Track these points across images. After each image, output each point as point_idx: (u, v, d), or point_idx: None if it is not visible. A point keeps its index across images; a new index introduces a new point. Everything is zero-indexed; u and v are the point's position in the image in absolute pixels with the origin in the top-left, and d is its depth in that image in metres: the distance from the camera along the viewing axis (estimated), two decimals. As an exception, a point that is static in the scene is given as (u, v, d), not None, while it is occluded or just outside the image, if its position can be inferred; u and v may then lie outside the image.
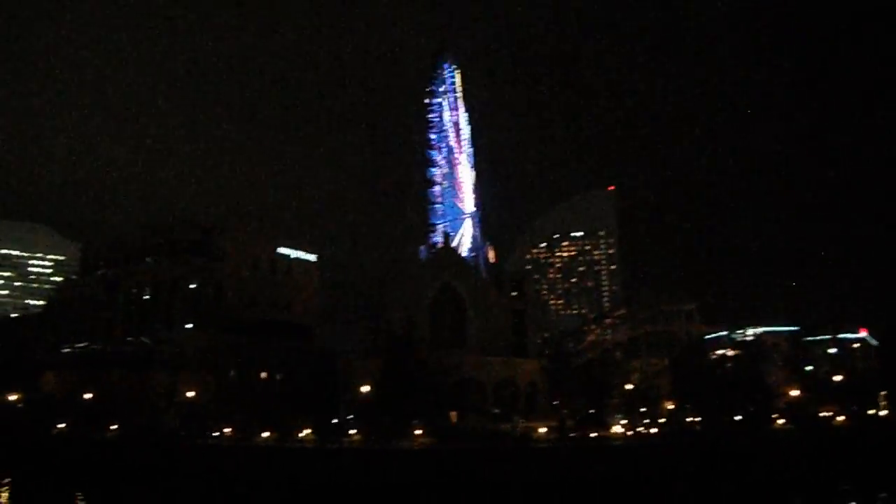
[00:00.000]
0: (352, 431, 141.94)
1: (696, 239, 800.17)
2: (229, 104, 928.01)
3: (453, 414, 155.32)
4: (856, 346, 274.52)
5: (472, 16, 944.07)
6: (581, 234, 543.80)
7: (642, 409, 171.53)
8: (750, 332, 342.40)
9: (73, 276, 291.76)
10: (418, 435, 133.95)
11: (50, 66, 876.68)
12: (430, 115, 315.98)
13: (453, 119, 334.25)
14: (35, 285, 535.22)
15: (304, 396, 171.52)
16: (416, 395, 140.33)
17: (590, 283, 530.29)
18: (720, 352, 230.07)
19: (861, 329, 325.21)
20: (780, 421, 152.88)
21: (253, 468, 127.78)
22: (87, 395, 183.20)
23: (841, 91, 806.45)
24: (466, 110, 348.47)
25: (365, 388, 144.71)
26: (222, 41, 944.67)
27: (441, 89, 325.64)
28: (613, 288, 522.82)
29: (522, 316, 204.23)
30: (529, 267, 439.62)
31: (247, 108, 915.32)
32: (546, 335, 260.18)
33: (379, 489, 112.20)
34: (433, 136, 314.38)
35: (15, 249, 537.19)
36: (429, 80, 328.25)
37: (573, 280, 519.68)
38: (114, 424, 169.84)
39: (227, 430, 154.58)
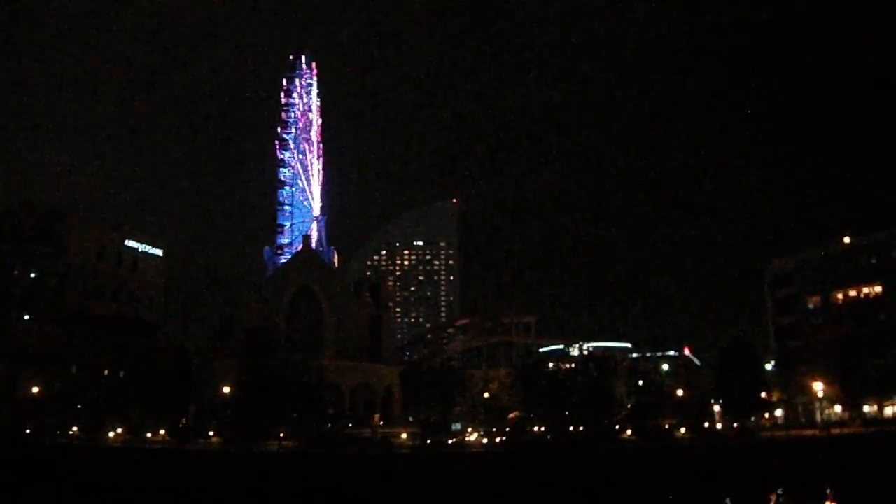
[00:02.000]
0: (210, 433, 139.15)
1: (533, 254, 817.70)
2: (77, 93, 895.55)
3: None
4: (679, 363, 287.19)
5: (330, 18, 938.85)
6: (422, 243, 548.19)
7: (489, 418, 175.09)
8: (584, 346, 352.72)
9: None
10: (281, 438, 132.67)
11: None
12: (284, 115, 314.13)
13: (307, 121, 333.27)
14: None
15: (153, 395, 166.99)
16: (278, 397, 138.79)
17: (428, 293, 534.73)
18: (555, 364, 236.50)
19: (685, 347, 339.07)
20: (627, 432, 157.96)
21: (106, 469, 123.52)
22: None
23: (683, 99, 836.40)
24: (319, 112, 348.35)
25: (225, 389, 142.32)
26: (79, 28, 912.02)
27: (297, 90, 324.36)
28: (451, 298, 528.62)
29: (378, 322, 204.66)
30: (369, 273, 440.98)
31: (95, 99, 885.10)
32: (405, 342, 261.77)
33: (246, 494, 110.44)
34: (286, 136, 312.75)
35: None
36: (286, 79, 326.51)
37: (412, 289, 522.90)
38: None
39: (73, 428, 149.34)
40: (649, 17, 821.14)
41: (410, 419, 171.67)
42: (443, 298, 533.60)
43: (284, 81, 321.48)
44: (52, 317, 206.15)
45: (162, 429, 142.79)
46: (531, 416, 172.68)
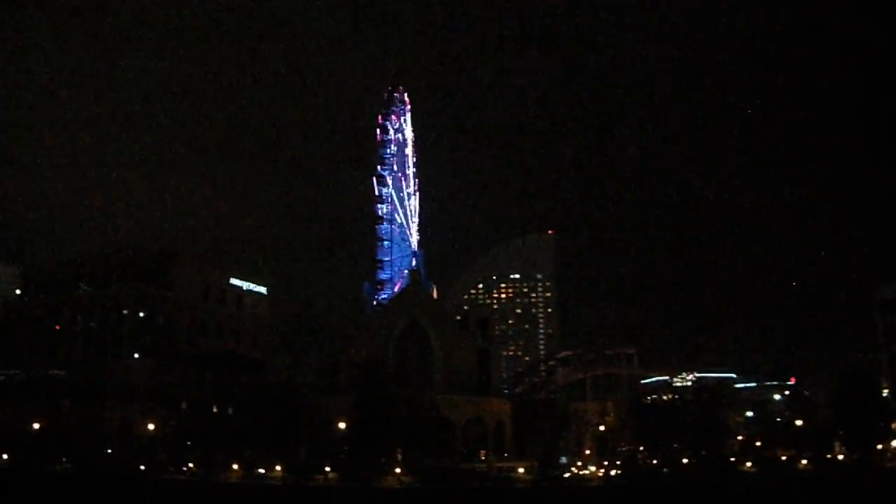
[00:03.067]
0: (327, 469, 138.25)
1: (631, 284, 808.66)
2: (183, 135, 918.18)
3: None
4: (786, 393, 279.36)
5: (423, 55, 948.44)
6: (518, 276, 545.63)
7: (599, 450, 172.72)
8: (688, 376, 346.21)
9: (10, 298, 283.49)
10: (398, 473, 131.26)
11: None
12: (380, 151, 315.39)
13: (403, 155, 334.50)
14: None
15: (264, 431, 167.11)
16: (393, 432, 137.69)
17: (526, 326, 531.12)
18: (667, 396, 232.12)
19: (791, 378, 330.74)
20: (747, 464, 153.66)
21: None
22: (36, 426, 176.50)
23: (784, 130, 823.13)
24: (414, 148, 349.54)
25: (341, 425, 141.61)
26: (177, 73, 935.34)
27: (392, 125, 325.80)
28: (549, 331, 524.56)
29: (487, 355, 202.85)
30: (466, 308, 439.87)
31: (201, 141, 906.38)
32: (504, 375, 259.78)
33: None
34: (383, 172, 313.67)
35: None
36: (380, 115, 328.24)
37: (510, 322, 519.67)
38: (63, 457, 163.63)
39: (188, 464, 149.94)
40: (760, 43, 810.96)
41: (524, 453, 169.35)
42: (541, 331, 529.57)
43: (380, 118, 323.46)
44: (161, 355, 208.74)
45: (277, 465, 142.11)
46: (641, 448, 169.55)
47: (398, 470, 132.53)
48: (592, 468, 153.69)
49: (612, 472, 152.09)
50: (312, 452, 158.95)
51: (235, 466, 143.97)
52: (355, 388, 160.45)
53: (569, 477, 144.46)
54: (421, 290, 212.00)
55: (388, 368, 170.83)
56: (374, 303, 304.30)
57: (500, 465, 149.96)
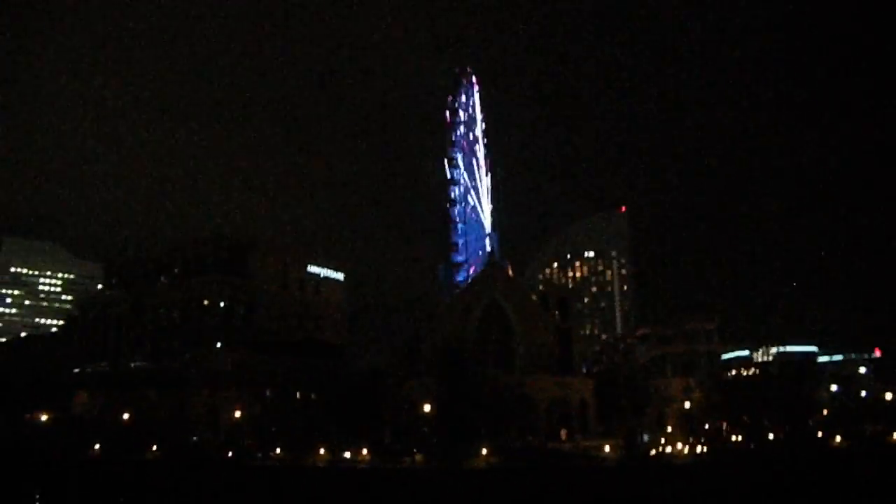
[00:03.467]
0: (414, 451, 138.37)
1: (707, 258, 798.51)
2: (254, 124, 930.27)
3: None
4: (870, 366, 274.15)
5: (490, 33, 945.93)
6: (592, 254, 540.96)
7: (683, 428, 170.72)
8: (768, 351, 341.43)
9: (95, 292, 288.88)
10: (485, 455, 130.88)
11: (67, 81, 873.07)
12: (451, 133, 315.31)
13: (474, 137, 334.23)
14: (45, 304, 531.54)
15: (349, 415, 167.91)
16: (478, 413, 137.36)
17: (602, 304, 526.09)
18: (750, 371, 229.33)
19: (876, 349, 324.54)
20: (837, 438, 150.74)
21: (316, 489, 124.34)
22: (125, 416, 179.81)
23: (855, 98, 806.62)
24: (484, 128, 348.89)
25: (426, 407, 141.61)
26: (247, 63, 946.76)
27: (463, 107, 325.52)
28: (625, 308, 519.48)
29: (568, 334, 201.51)
30: (541, 287, 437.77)
31: (272, 130, 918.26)
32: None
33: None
34: (454, 155, 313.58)
35: (25, 267, 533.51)
36: (451, 97, 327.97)
37: (585, 300, 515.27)
38: (152, 446, 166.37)
39: (276, 450, 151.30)
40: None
41: (608, 432, 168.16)
42: (617, 309, 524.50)
43: (450, 100, 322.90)
44: (243, 343, 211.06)
45: (364, 448, 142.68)
46: (725, 425, 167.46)
47: (485, 451, 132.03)
48: (679, 445, 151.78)
49: (698, 450, 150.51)
50: (396, 435, 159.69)
51: (322, 451, 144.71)
52: (437, 371, 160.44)
53: (655, 455, 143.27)
54: (500, 270, 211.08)
55: (470, 350, 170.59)
56: (451, 285, 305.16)
57: (585, 443, 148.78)
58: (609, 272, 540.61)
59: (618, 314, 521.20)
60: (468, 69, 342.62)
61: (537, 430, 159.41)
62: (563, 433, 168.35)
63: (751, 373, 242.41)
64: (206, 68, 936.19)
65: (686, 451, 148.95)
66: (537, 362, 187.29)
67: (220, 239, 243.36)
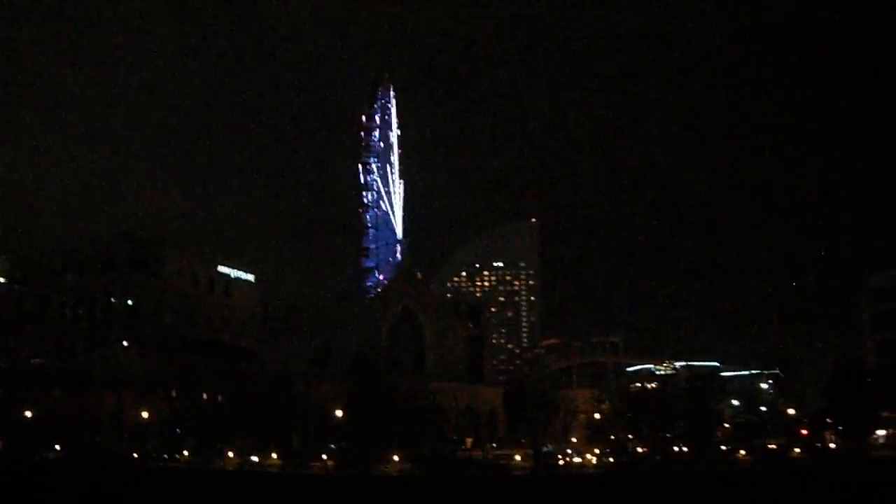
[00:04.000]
0: (324, 457, 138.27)
1: (615, 272, 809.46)
2: (169, 124, 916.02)
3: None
4: (770, 382, 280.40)
5: (408, 45, 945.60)
6: (502, 264, 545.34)
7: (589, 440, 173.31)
8: (673, 365, 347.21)
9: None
10: (397, 461, 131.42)
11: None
12: (366, 139, 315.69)
13: (388, 143, 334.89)
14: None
15: (257, 419, 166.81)
16: (389, 420, 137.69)
17: (510, 314, 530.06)
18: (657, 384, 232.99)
19: (777, 366, 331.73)
20: (741, 452, 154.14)
21: (223, 493, 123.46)
22: (27, 414, 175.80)
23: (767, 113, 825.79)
24: (399, 135, 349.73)
25: (338, 413, 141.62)
26: (162, 59, 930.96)
27: (378, 113, 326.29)
28: (532, 319, 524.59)
29: (480, 343, 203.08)
30: (449, 296, 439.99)
31: (186, 129, 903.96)
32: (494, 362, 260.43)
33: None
34: (369, 160, 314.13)
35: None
36: (367, 103, 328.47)
37: (493, 310, 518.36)
38: (55, 445, 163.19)
39: (184, 452, 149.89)
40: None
41: (515, 441, 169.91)
42: (524, 319, 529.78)
43: (366, 106, 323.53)
44: (150, 343, 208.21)
45: (273, 453, 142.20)
46: (630, 436, 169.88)
47: (397, 458, 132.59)
48: (588, 456, 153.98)
49: (603, 460, 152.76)
50: (306, 440, 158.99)
51: (231, 454, 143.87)
52: (348, 376, 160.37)
53: (563, 465, 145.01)
54: (413, 278, 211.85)
55: (381, 356, 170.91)
56: (361, 290, 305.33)
57: (496, 453, 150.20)
58: (517, 282, 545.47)
59: (524, 325, 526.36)
60: (385, 74, 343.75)
61: (446, 438, 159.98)
62: (469, 441, 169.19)
63: (655, 385, 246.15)
64: (123, 66, 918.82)
65: (594, 461, 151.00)
66: (448, 370, 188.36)
67: (129, 236, 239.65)
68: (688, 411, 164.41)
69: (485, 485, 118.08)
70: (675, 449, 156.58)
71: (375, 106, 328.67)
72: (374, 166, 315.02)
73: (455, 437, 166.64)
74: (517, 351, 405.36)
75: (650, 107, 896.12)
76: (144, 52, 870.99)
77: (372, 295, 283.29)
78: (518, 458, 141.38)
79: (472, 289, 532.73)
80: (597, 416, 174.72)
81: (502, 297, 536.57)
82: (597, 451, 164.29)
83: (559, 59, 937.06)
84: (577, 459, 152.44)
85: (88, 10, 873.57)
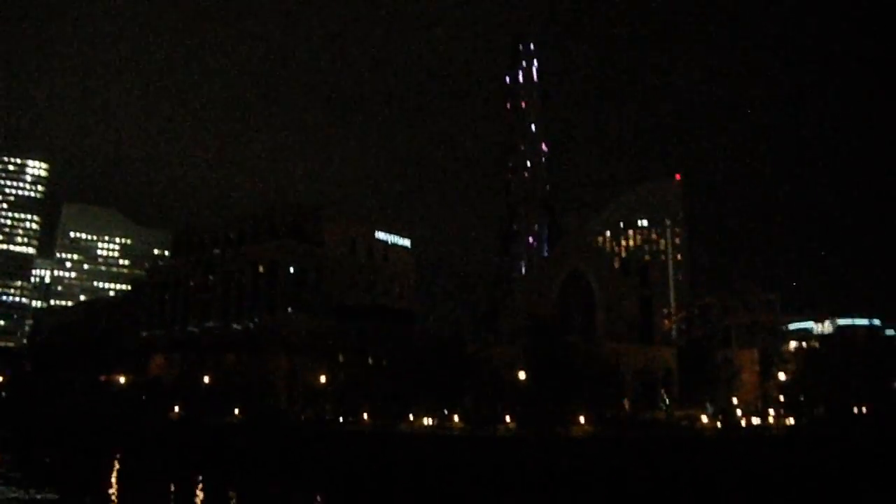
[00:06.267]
0: (507, 419, 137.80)
1: (764, 226, 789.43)
2: (320, 93, 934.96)
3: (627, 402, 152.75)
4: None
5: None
6: (646, 223, 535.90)
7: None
8: (835, 322, 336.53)
9: (162, 257, 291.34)
10: (582, 424, 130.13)
11: (128, 55, 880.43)
12: (511, 102, 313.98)
13: (533, 104, 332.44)
14: (103, 268, 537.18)
15: (427, 382, 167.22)
16: (570, 382, 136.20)
17: (657, 273, 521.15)
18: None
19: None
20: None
21: (417, 455, 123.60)
22: (206, 379, 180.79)
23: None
24: (543, 95, 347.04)
25: (521, 375, 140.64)
26: (307, 31, 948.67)
27: (521, 74, 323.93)
28: (679, 278, 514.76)
29: (650, 303, 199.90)
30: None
31: (337, 97, 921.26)
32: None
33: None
34: (514, 123, 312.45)
35: (84, 232, 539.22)
36: (510, 64, 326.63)
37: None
38: (234, 409, 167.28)
39: (364, 416, 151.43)
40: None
41: (692, 402, 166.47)
42: (671, 278, 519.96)
43: (509, 68, 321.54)
44: (313, 309, 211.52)
45: (452, 416, 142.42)
46: (802, 398, 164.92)
47: (582, 419, 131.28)
48: (770, 419, 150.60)
49: (788, 422, 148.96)
50: (479, 403, 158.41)
51: (411, 417, 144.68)
52: (525, 338, 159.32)
53: (746, 426, 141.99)
54: (582, 239, 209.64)
55: (551, 317, 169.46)
56: (513, 252, 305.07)
57: (678, 413, 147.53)
58: (662, 241, 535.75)
59: (671, 284, 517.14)
60: (527, 35, 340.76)
61: (626, 399, 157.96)
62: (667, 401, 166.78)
63: (811, 346, 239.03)
64: (271, 44, 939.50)
65: (783, 422, 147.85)
66: (619, 331, 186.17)
67: (288, 205, 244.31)
68: (868, 373, 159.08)
69: (675, 446, 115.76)
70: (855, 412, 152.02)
71: (518, 70, 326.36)
72: (519, 128, 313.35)
73: (634, 399, 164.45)
74: (670, 311, 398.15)
75: (795, 61, 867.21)
76: (291, 25, 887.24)
77: (522, 257, 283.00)
78: (704, 419, 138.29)
79: (616, 248, 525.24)
80: (781, 376, 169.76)
81: (648, 255, 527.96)
82: (771, 411, 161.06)
83: (710, 12, 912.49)
84: (755, 420, 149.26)
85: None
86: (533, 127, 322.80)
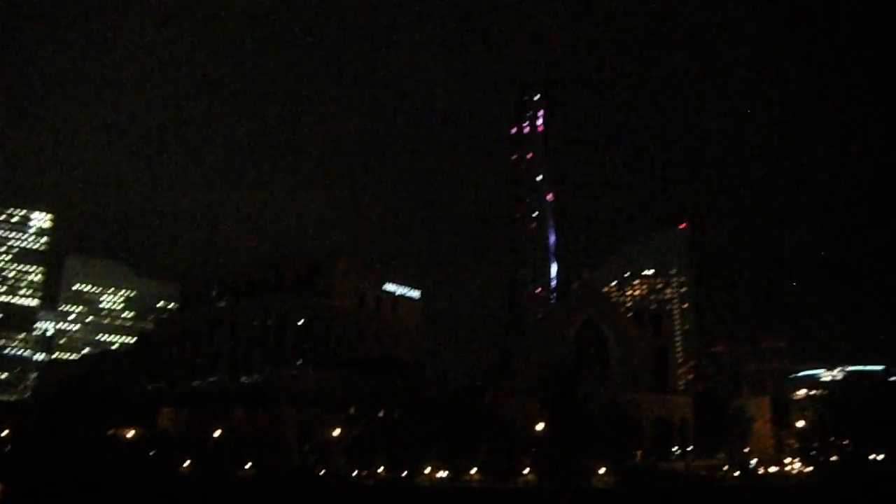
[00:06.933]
0: (525, 471, 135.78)
1: (771, 276, 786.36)
2: (326, 142, 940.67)
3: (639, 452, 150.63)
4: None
5: (552, 54, 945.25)
6: (652, 272, 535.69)
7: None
8: (842, 369, 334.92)
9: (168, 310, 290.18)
10: (602, 474, 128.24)
11: (133, 106, 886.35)
12: (517, 150, 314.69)
13: (539, 154, 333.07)
14: (107, 321, 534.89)
15: (442, 434, 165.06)
16: (591, 432, 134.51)
17: (668, 323, 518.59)
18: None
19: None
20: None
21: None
22: (216, 433, 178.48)
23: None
24: (548, 146, 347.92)
25: (539, 426, 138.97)
26: (316, 81, 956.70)
27: (527, 124, 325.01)
28: (685, 327, 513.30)
29: (664, 352, 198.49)
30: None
31: (346, 148, 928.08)
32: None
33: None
34: (520, 173, 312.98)
35: (87, 284, 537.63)
36: (515, 116, 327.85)
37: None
38: (245, 463, 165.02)
39: (380, 469, 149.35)
40: None
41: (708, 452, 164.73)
42: (677, 327, 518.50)
43: (514, 120, 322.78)
44: (321, 361, 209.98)
45: (469, 468, 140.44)
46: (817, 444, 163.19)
47: (602, 470, 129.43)
48: (787, 466, 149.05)
49: (807, 469, 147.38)
50: (494, 454, 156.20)
51: (428, 470, 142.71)
52: (542, 389, 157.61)
53: (763, 474, 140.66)
54: (592, 288, 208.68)
55: (569, 367, 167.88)
56: (521, 302, 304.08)
57: (696, 463, 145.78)
58: (669, 290, 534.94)
59: (677, 333, 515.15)
60: (531, 87, 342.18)
61: (644, 449, 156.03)
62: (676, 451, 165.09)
63: (821, 392, 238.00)
64: (278, 93, 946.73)
65: (793, 470, 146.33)
66: (633, 380, 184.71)
67: (296, 257, 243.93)
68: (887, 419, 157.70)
69: (699, 496, 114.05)
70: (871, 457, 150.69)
71: (524, 121, 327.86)
72: (526, 177, 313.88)
73: (657, 448, 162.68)
74: (678, 360, 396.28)
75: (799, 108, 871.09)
76: (299, 72, 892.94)
77: (531, 307, 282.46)
78: (725, 468, 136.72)
79: (622, 298, 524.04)
80: (799, 423, 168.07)
81: (654, 304, 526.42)
82: (787, 459, 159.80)
83: (715, 57, 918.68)
84: (772, 469, 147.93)
85: (235, 39, 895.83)
86: (539, 178, 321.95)
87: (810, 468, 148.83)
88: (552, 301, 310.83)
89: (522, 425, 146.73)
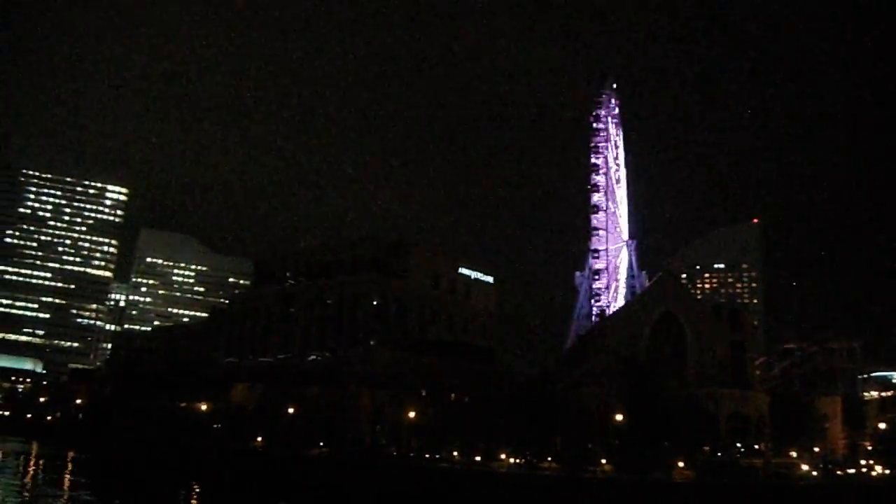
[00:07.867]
0: (602, 461, 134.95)
1: (843, 271, 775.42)
2: (405, 125, 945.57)
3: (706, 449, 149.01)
4: None
5: (629, 43, 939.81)
6: (723, 266, 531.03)
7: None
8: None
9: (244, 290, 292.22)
10: (680, 468, 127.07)
11: (210, 84, 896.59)
12: (594, 140, 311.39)
13: (614, 144, 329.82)
14: (178, 294, 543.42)
15: (515, 420, 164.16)
16: (669, 426, 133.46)
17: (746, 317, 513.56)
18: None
19: None
20: None
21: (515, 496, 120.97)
22: (290, 410, 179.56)
23: None
24: (624, 135, 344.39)
25: (618, 417, 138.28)
26: (396, 65, 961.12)
27: (604, 115, 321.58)
28: (755, 322, 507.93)
29: (742, 347, 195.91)
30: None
31: (424, 132, 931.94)
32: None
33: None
34: (596, 161, 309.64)
35: (160, 258, 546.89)
36: (592, 104, 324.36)
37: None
38: (318, 441, 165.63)
39: (453, 453, 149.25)
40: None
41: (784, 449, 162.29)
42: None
43: (592, 110, 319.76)
44: (394, 342, 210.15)
45: (548, 455, 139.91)
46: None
47: (681, 464, 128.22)
48: (875, 469, 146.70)
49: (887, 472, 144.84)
50: (568, 443, 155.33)
51: (503, 456, 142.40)
52: (610, 377, 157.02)
53: (842, 474, 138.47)
54: (672, 280, 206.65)
55: (646, 359, 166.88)
56: (587, 292, 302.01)
57: (776, 460, 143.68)
58: (739, 285, 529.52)
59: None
60: (609, 77, 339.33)
61: (722, 444, 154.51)
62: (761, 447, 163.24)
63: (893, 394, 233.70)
64: (360, 77, 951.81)
65: (872, 472, 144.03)
66: (710, 374, 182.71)
67: (374, 239, 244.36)
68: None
69: (783, 494, 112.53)
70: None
71: (601, 111, 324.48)
72: (601, 167, 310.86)
73: (734, 444, 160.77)
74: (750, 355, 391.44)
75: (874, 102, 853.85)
76: (381, 61, 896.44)
77: (604, 299, 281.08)
78: (805, 466, 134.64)
79: (693, 291, 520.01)
80: (881, 425, 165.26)
81: (724, 299, 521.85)
82: (862, 461, 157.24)
83: (791, 54, 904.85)
84: (850, 470, 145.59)
85: (297, 32, 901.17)
86: (614, 168, 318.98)
87: (888, 471, 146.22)
88: (624, 292, 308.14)
89: (598, 415, 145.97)
